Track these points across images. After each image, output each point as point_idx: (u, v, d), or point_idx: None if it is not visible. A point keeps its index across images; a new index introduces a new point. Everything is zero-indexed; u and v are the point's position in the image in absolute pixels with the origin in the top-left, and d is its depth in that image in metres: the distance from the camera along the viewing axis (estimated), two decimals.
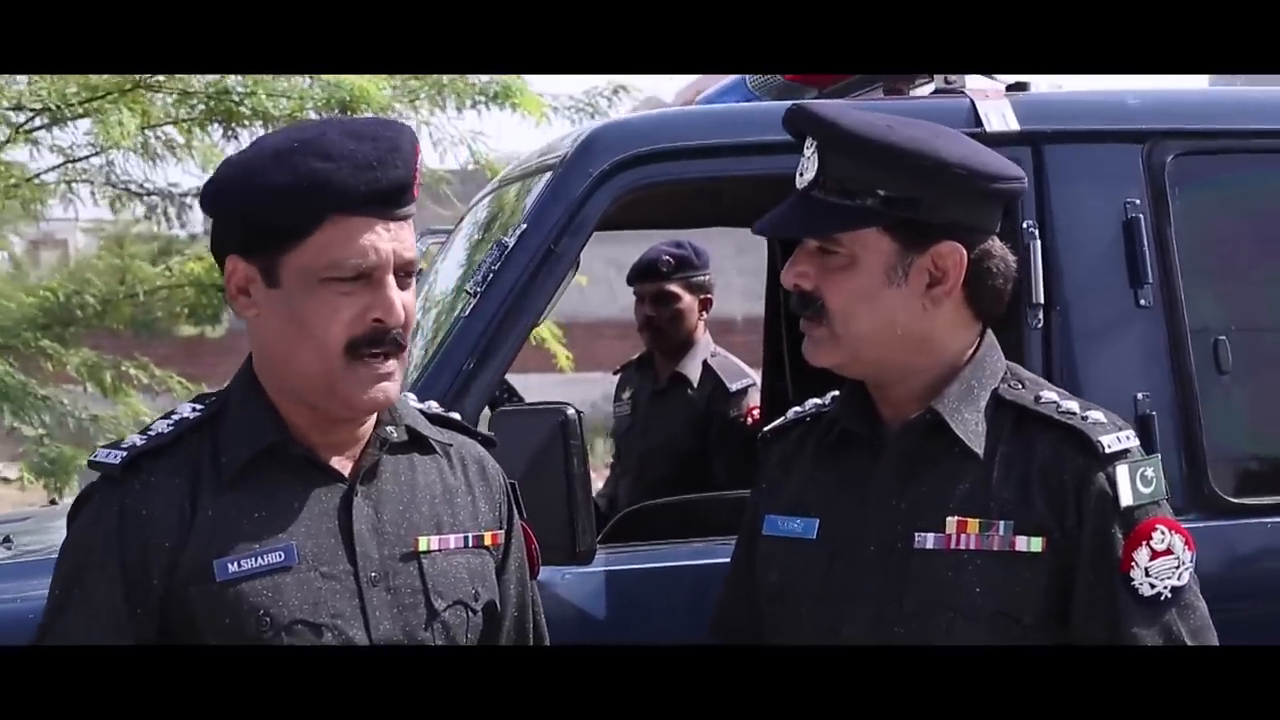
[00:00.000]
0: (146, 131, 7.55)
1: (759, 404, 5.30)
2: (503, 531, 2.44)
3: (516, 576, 2.46)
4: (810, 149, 2.37)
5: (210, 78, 7.33)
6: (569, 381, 9.23)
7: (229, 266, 2.24)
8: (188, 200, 8.66)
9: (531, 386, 6.62)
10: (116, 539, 2.20)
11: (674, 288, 5.52)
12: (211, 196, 2.27)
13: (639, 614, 3.12)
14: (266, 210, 2.18)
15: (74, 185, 8.41)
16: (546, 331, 8.69)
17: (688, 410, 5.44)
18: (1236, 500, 3.28)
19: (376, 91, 7.43)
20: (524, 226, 3.20)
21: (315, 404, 2.25)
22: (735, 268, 15.07)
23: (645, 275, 5.54)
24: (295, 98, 7.34)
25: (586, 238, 3.23)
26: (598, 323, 16.32)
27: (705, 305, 5.59)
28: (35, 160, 8.42)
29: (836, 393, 2.55)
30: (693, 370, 5.51)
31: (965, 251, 2.36)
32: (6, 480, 14.65)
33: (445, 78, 7.87)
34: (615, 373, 6.02)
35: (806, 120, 2.40)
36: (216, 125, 7.59)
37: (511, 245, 3.18)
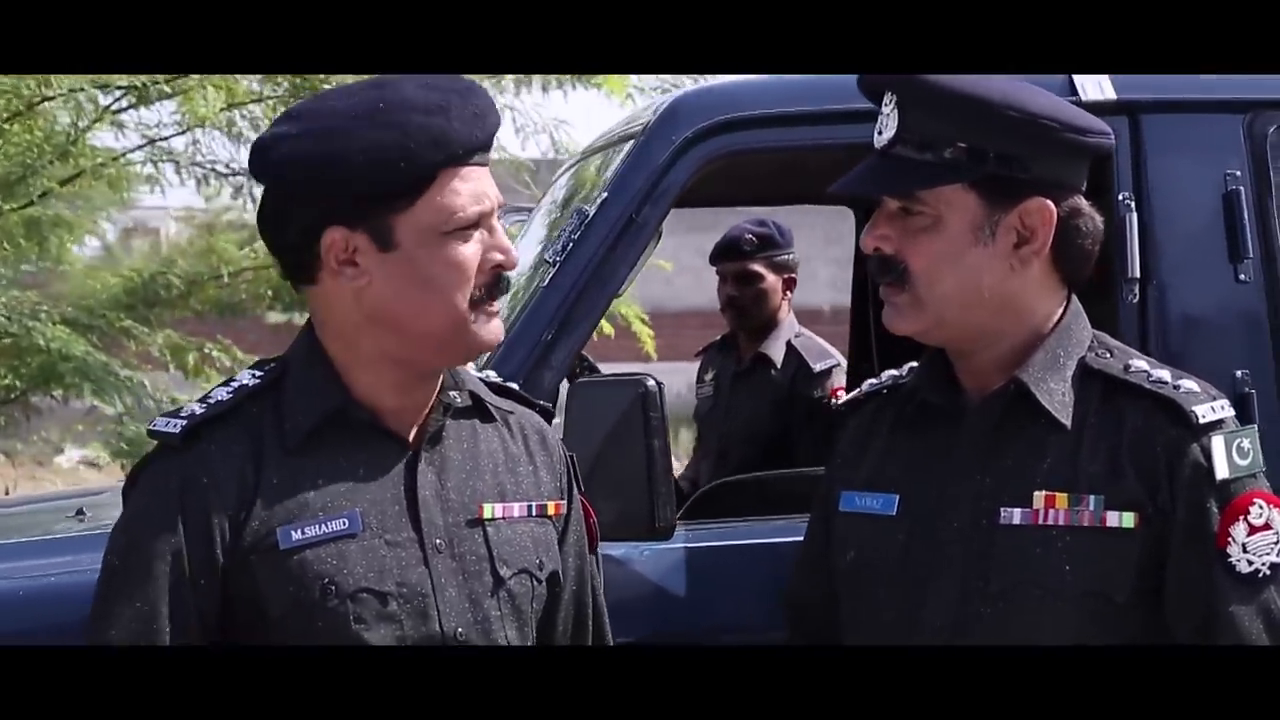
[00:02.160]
0: (233, 110, 7.53)
1: (844, 385, 5.22)
2: (564, 502, 2.40)
3: (575, 550, 2.42)
4: (890, 105, 2.30)
5: None
6: (653, 370, 9.16)
7: (326, 240, 2.17)
8: None
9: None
10: (178, 507, 2.16)
11: (757, 267, 5.45)
12: (291, 170, 2.17)
13: (717, 591, 3.05)
14: (375, 172, 2.12)
15: (160, 165, 8.40)
16: (633, 315, 8.64)
17: (771, 391, 5.38)
18: None
19: None
20: (605, 195, 3.14)
21: (424, 361, 2.22)
22: (822, 257, 14.99)
23: (728, 254, 5.48)
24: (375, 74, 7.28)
25: (669, 207, 3.16)
26: (683, 312, 16.25)
27: (789, 285, 5.52)
28: (121, 141, 8.47)
29: (914, 364, 2.48)
30: (776, 351, 5.45)
31: (1054, 208, 2.28)
32: (94, 464, 14.80)
33: None
34: (697, 355, 5.96)
35: (885, 75, 2.32)
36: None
37: (592, 214, 3.12)
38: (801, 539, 2.64)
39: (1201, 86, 3.32)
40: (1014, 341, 2.31)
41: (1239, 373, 3.15)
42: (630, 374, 2.96)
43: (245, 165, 8.47)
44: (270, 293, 9.00)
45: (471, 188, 2.17)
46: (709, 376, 5.71)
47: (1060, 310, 2.35)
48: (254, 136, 7.95)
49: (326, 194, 2.15)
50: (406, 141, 2.12)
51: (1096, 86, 3.26)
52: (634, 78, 8.44)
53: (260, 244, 9.07)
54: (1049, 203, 2.28)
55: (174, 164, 8.39)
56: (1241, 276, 3.20)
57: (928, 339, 2.33)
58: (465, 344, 2.21)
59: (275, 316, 9.89)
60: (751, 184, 4.21)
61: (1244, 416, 3.07)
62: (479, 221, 2.18)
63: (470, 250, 2.17)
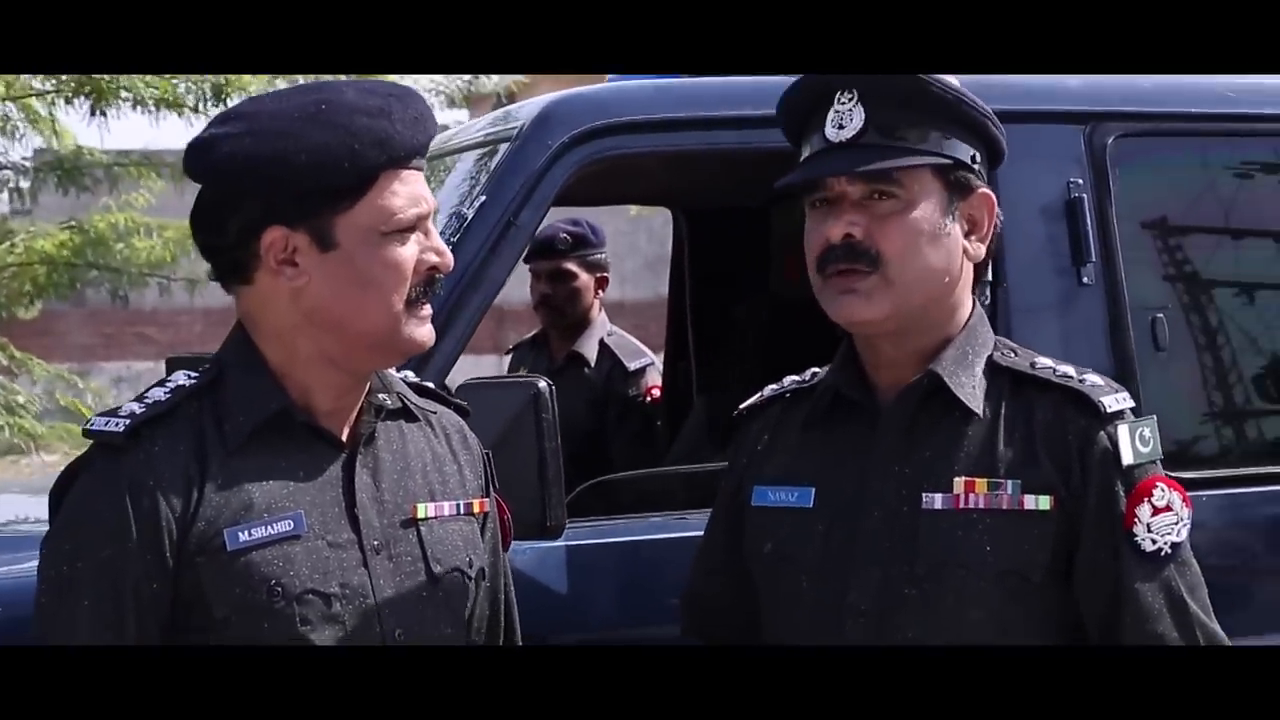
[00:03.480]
0: (8, 104, 7.33)
1: (658, 383, 5.30)
2: (487, 499, 2.44)
3: (491, 546, 2.45)
4: (849, 101, 2.37)
5: None
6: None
7: (266, 239, 2.18)
8: (41, 175, 8.41)
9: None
10: (128, 509, 2.14)
11: (571, 265, 5.49)
12: (231, 169, 2.17)
13: (600, 588, 3.11)
14: (317, 171, 2.14)
15: None
16: None
17: (585, 390, 5.41)
18: (1175, 475, 3.32)
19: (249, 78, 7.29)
20: (483, 198, 3.18)
21: (360, 361, 2.24)
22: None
23: (542, 252, 5.50)
24: (166, 78, 7.16)
25: (546, 210, 3.21)
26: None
27: (601, 284, 5.57)
28: None
29: (816, 370, 2.57)
30: (589, 349, 5.49)
31: (995, 201, 2.42)
32: None
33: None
34: (507, 352, 5.97)
35: (846, 75, 2.40)
36: (83, 99, 7.37)
37: (471, 217, 3.15)
38: (683, 535, 2.71)
39: (1044, 98, 3.48)
40: (935, 336, 2.41)
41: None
42: (521, 376, 3.00)
43: (14, 160, 8.34)
44: (33, 290, 8.77)
45: (410, 190, 2.20)
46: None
47: (970, 310, 2.46)
48: (28, 132, 7.79)
49: (268, 193, 2.17)
50: (351, 142, 2.15)
51: None
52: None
53: (21, 240, 8.86)
54: (992, 195, 2.42)
55: None
56: (1084, 279, 3.37)
57: (881, 328, 2.39)
58: (399, 345, 2.24)
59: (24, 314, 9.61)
60: (624, 186, 4.26)
61: None
62: (416, 224, 2.21)
63: (408, 251, 2.20)
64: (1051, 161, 3.42)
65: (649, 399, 5.32)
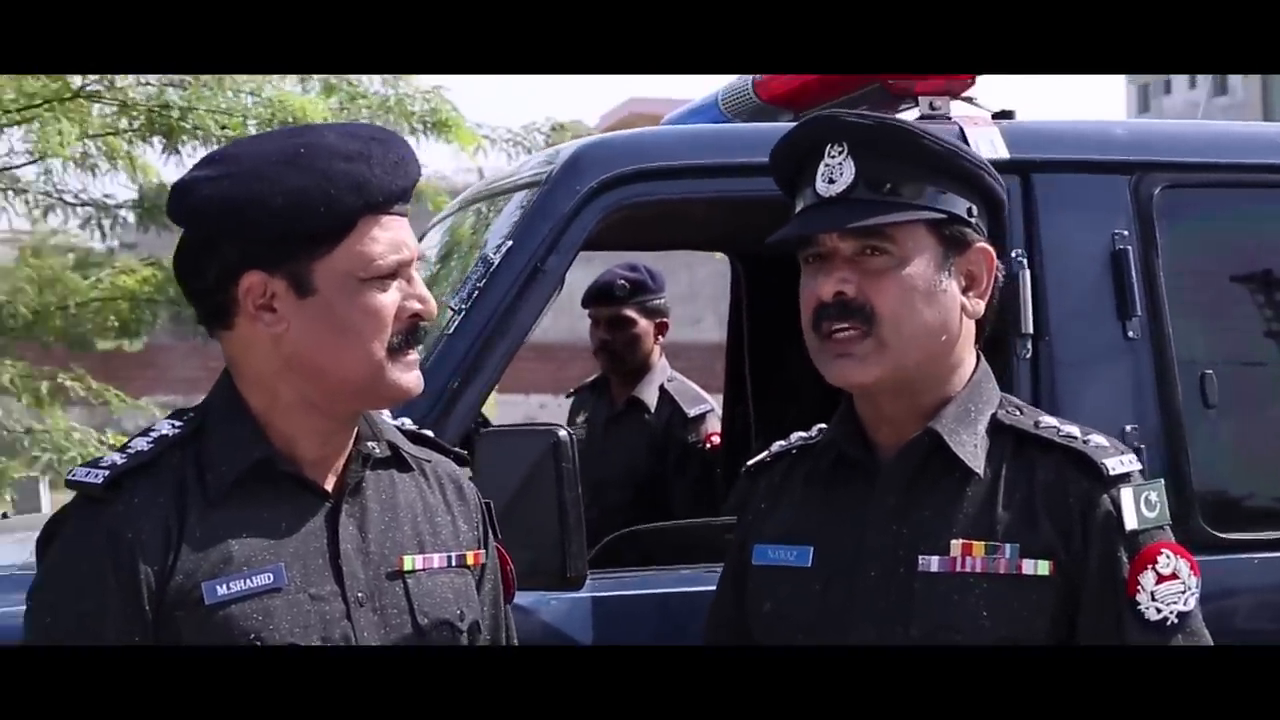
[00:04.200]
0: (86, 141, 7.42)
1: (718, 430, 5.26)
2: (483, 551, 2.39)
3: (490, 598, 2.41)
4: (839, 154, 2.32)
5: (150, 90, 7.23)
6: (490, 403, 9.14)
7: (244, 284, 2.14)
8: (121, 213, 8.51)
9: None
10: (110, 563, 2.11)
11: (630, 312, 5.46)
12: (210, 212, 2.14)
13: (626, 640, 3.05)
14: (294, 216, 2.11)
15: (8, 194, 8.25)
16: None
17: (645, 435, 5.38)
18: (1223, 535, 3.26)
19: (316, 112, 7.35)
20: (510, 244, 3.15)
21: (342, 408, 2.20)
22: (668, 293, 15.12)
23: (600, 299, 5.49)
24: (237, 115, 7.24)
25: (574, 256, 3.18)
26: (542, 345, 16.29)
27: (661, 329, 5.54)
28: None
29: (822, 426, 2.51)
30: (649, 395, 5.46)
31: (994, 255, 2.35)
32: None
33: (392, 100, 7.83)
34: (568, 395, 5.95)
35: (837, 125, 2.35)
36: (156, 139, 7.46)
37: (497, 262, 3.13)
38: (710, 588, 2.65)
39: (1090, 147, 3.41)
40: (936, 394, 2.35)
41: (1128, 427, 3.23)
42: (540, 424, 2.97)
43: (94, 196, 8.43)
44: (116, 324, 8.87)
45: (390, 236, 2.16)
46: (580, 419, 5.70)
47: (974, 366, 2.40)
48: (106, 166, 7.88)
49: (245, 237, 2.13)
50: (328, 187, 2.11)
51: (990, 144, 3.34)
52: (486, 128, 8.51)
53: (105, 274, 8.96)
54: (991, 250, 2.35)
55: (23, 194, 8.22)
56: (1130, 334, 3.29)
57: (877, 389, 2.34)
58: (383, 391, 2.19)
59: (104, 344, 9.72)
60: (650, 231, 4.23)
61: None
62: (397, 270, 2.17)
63: (388, 298, 2.16)
64: (1096, 212, 3.34)
65: (708, 445, 5.28)
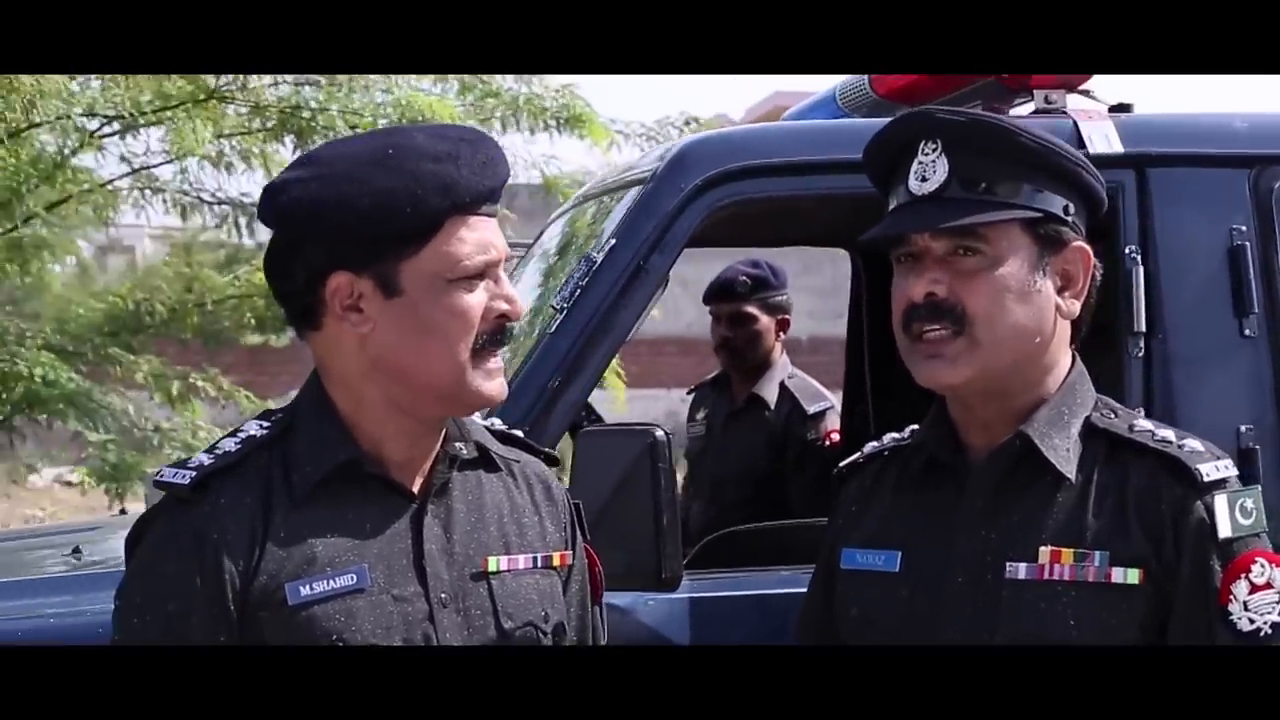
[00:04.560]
0: (221, 140, 7.52)
1: (837, 427, 5.21)
2: (570, 552, 2.38)
3: (578, 599, 2.40)
4: (932, 152, 2.28)
5: (283, 91, 7.32)
6: (630, 398, 9.16)
7: (331, 285, 2.15)
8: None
9: (596, 404, 6.55)
10: (196, 564, 2.12)
11: (751, 308, 5.43)
12: (297, 214, 2.15)
13: (722, 642, 3.03)
14: (382, 217, 2.11)
15: (146, 193, 8.40)
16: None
17: (764, 433, 5.35)
18: None
19: (448, 111, 7.40)
20: (613, 242, 3.13)
21: (428, 411, 2.20)
22: (798, 286, 15.01)
23: (722, 295, 5.47)
24: (367, 115, 7.31)
25: (677, 254, 3.16)
26: (659, 339, 16.29)
27: (783, 326, 5.50)
28: (101, 166, 8.47)
29: (915, 426, 2.47)
30: (770, 392, 5.42)
31: (1092, 255, 2.30)
32: (69, 484, 14.76)
33: (521, 99, 7.86)
34: (689, 392, 5.93)
35: (931, 122, 2.31)
36: (289, 139, 7.55)
37: (600, 261, 3.11)
38: (805, 590, 2.62)
39: (1208, 140, 3.33)
40: (1029, 396, 2.31)
41: (1243, 428, 3.15)
42: (638, 424, 2.95)
43: (231, 195, 8.57)
44: (253, 320, 9.00)
45: (478, 237, 2.16)
46: (700, 415, 5.69)
47: (1068, 368, 2.35)
48: (241, 165, 8.00)
49: (333, 238, 2.14)
50: (415, 188, 2.11)
51: (1104, 139, 3.27)
52: (619, 123, 8.50)
53: (244, 271, 9.10)
54: (1088, 249, 2.30)
55: (160, 193, 8.37)
56: (1246, 331, 3.20)
57: (967, 390, 2.30)
58: (464, 397, 2.19)
59: (252, 339, 9.87)
60: (756, 228, 4.20)
61: (1248, 472, 3.09)
62: (485, 271, 2.17)
63: (474, 299, 2.16)
64: (1213, 207, 3.25)
65: (828, 443, 5.23)
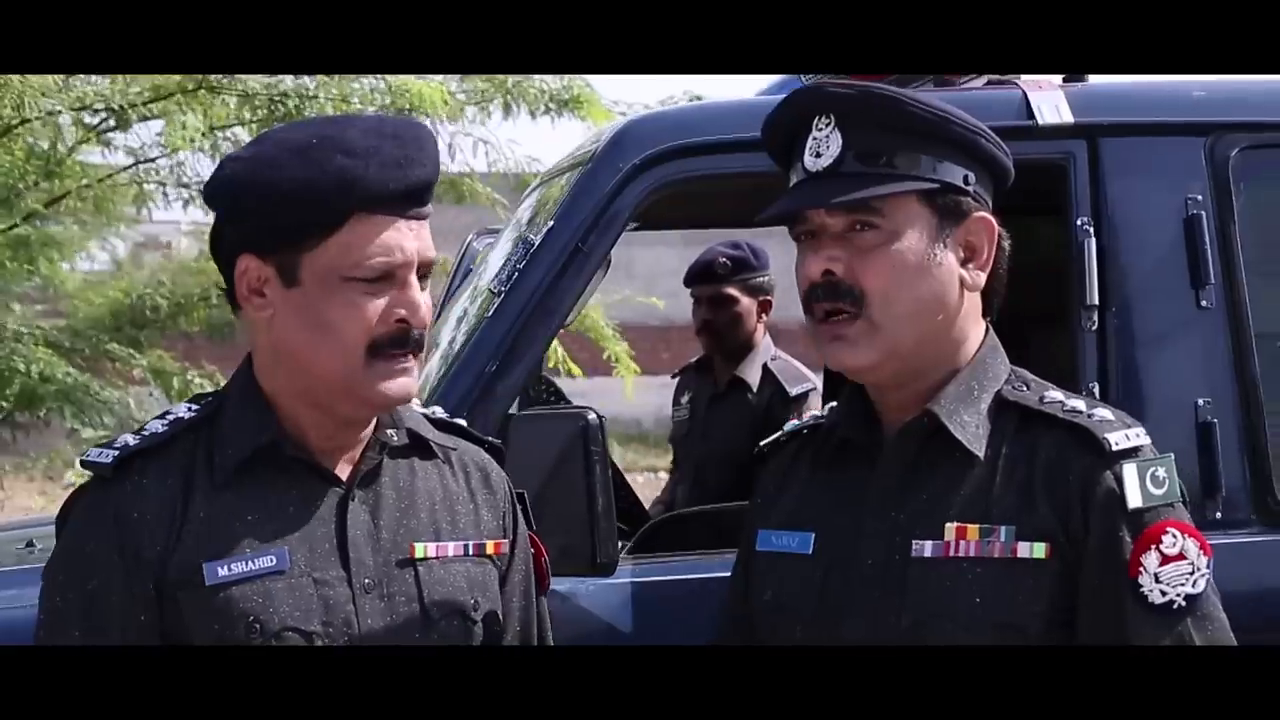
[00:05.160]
0: (215, 133, 7.50)
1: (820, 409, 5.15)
2: (507, 541, 2.36)
3: (520, 589, 2.38)
4: (826, 127, 2.23)
5: (268, 79, 7.29)
6: (639, 386, 9.11)
7: (240, 266, 2.17)
8: None
9: (601, 390, 6.52)
10: (115, 543, 2.14)
11: (732, 290, 5.39)
12: (223, 192, 2.19)
13: (663, 627, 2.98)
14: (288, 207, 2.12)
15: (144, 186, 8.39)
16: (616, 347, 8.59)
17: (747, 415, 5.31)
18: None
19: (438, 97, 7.34)
20: (551, 224, 3.09)
21: (331, 405, 2.20)
22: (792, 270, 14.85)
23: (702, 278, 5.42)
24: (356, 102, 7.28)
25: (617, 235, 3.10)
26: (667, 326, 16.20)
27: (765, 308, 5.46)
28: (107, 160, 8.46)
29: (835, 404, 2.41)
30: (752, 374, 5.39)
31: (996, 225, 2.24)
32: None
33: (510, 81, 7.80)
34: (673, 376, 5.89)
35: (822, 96, 2.25)
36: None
37: (537, 243, 3.07)
38: None
39: (1161, 108, 3.26)
40: (939, 372, 2.25)
41: (1200, 401, 3.08)
42: (571, 407, 2.91)
43: None
44: None
45: (384, 238, 2.14)
46: (685, 399, 5.66)
47: (980, 342, 2.29)
48: None
49: (245, 221, 2.16)
50: (321, 181, 2.11)
51: (1054, 109, 3.20)
52: (623, 104, 8.42)
53: None
54: (992, 219, 2.25)
55: (159, 185, 8.36)
56: (1203, 303, 3.13)
57: (875, 374, 2.25)
58: (361, 393, 2.17)
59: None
60: (709, 208, 4.14)
61: (1206, 445, 3.03)
62: (390, 272, 2.14)
63: (370, 300, 2.14)
64: (1168, 176, 3.17)
65: None
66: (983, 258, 2.25)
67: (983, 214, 2.25)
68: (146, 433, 2.23)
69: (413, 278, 2.16)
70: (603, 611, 2.95)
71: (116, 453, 2.19)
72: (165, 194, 8.51)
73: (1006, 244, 2.29)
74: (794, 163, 2.29)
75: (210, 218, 2.28)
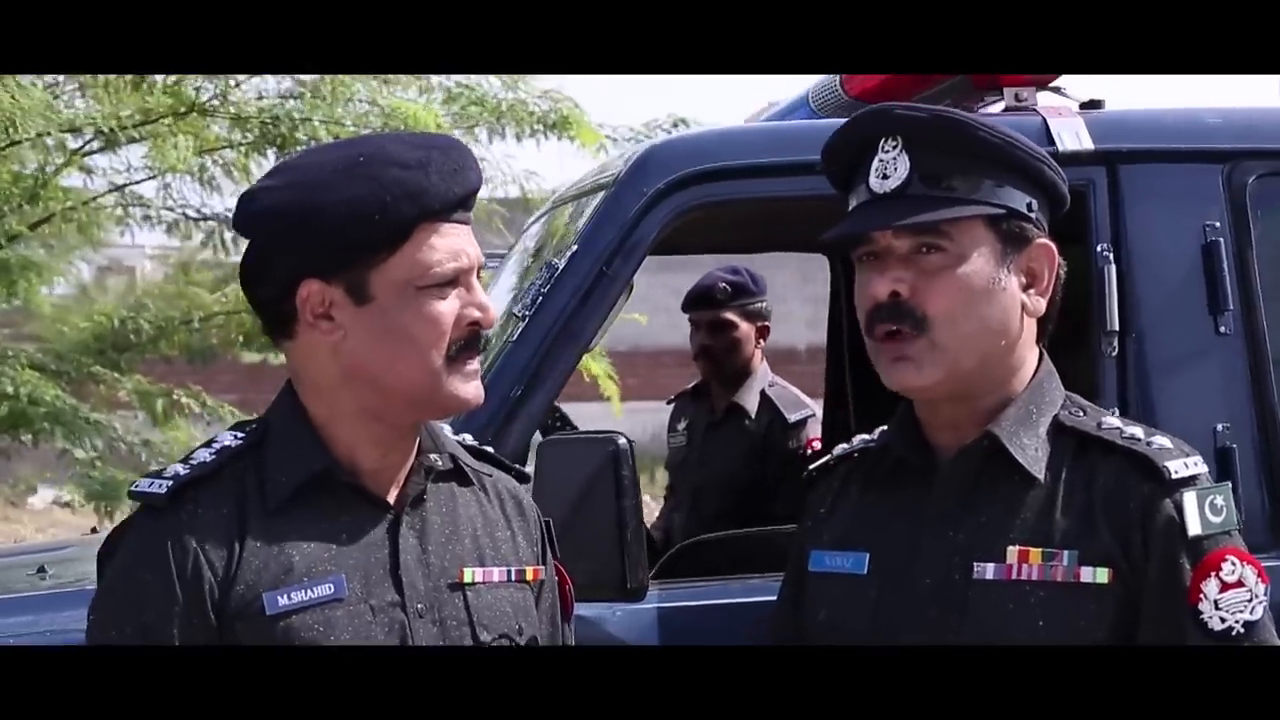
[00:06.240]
0: (204, 156, 7.49)
1: (819, 436, 5.16)
2: (542, 568, 2.37)
3: (549, 615, 2.39)
4: (893, 149, 2.24)
5: (264, 104, 7.29)
6: (631, 411, 9.11)
7: (302, 292, 2.14)
8: None
9: (595, 416, 6.50)
10: (173, 573, 2.11)
11: (730, 315, 5.37)
12: (272, 222, 2.15)
13: None
14: (353, 225, 2.10)
15: (130, 209, 8.37)
16: (600, 371, 8.60)
17: (745, 441, 5.30)
18: None
19: (432, 119, 7.37)
20: (575, 248, 3.09)
21: (400, 417, 2.19)
22: (799, 296, 14.89)
23: (700, 303, 5.41)
24: (350, 124, 7.28)
25: (641, 259, 3.11)
26: (659, 351, 16.20)
27: (762, 333, 5.45)
28: (89, 185, 8.44)
29: (884, 428, 2.43)
30: (750, 400, 5.37)
31: (1056, 252, 2.27)
32: (67, 505, 14.71)
33: (505, 106, 7.81)
34: (669, 401, 5.86)
35: (891, 119, 2.27)
36: (271, 151, 7.52)
37: (562, 267, 3.07)
38: (774, 598, 2.58)
39: (1180, 136, 3.29)
40: (996, 396, 2.27)
41: (1219, 426, 3.10)
42: (600, 432, 2.90)
43: (216, 210, 8.54)
44: (241, 337, 8.97)
45: (449, 244, 2.15)
46: (681, 425, 5.64)
47: (1035, 366, 2.31)
48: (224, 181, 7.97)
49: (303, 246, 2.13)
50: (384, 195, 2.10)
51: (1074, 136, 3.23)
52: (607, 128, 8.44)
53: (232, 288, 9.08)
54: (1053, 246, 2.27)
55: (143, 209, 8.34)
56: (1221, 329, 3.15)
57: (933, 393, 2.26)
58: (440, 401, 2.18)
59: (250, 356, 9.85)
60: (728, 233, 4.15)
61: (1225, 471, 3.04)
62: (456, 278, 2.15)
63: (445, 306, 2.14)
64: (1186, 203, 3.20)
65: (809, 451, 5.17)
66: (1044, 284, 2.27)
67: (1044, 241, 2.27)
68: (195, 461, 2.20)
69: (475, 280, 2.18)
70: (632, 637, 2.95)
71: (169, 482, 2.16)
72: (149, 217, 8.48)
73: (1063, 271, 2.30)
74: (856, 184, 2.30)
75: (174, 241, 2.26)
